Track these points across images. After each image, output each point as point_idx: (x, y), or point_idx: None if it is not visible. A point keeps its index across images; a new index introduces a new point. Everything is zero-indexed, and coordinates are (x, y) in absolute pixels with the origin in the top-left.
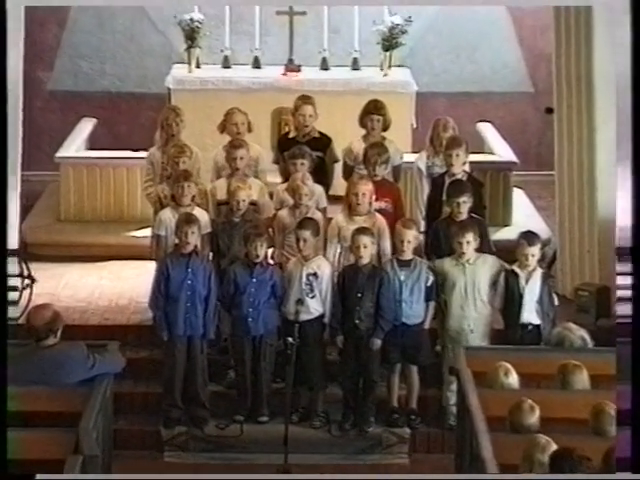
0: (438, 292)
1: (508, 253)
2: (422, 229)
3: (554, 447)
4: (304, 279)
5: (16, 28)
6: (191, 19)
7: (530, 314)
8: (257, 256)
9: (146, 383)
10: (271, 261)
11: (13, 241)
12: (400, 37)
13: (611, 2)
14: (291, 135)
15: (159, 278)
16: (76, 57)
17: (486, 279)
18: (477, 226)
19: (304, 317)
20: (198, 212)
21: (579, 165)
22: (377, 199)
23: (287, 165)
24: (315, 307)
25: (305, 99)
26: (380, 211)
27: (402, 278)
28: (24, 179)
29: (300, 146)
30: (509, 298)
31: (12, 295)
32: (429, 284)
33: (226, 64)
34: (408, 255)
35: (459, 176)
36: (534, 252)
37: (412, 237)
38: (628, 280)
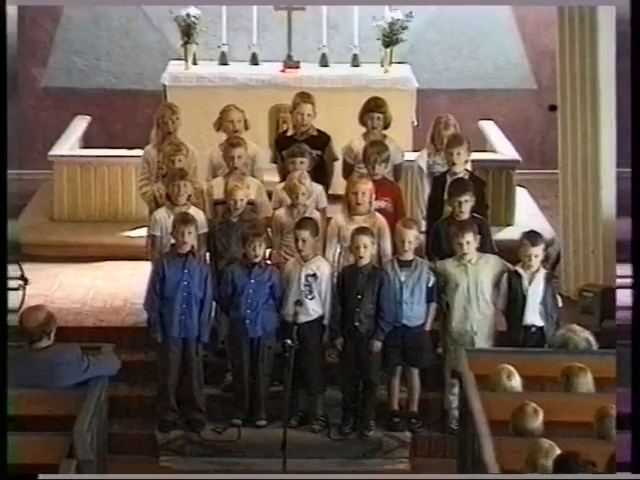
0: (439, 293)
1: (511, 253)
2: (423, 229)
3: (558, 451)
4: (303, 280)
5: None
6: (187, 15)
7: (533, 316)
8: (255, 256)
9: (141, 386)
10: (269, 262)
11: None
12: (401, 33)
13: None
14: (289, 133)
15: (155, 279)
16: (70, 53)
17: (489, 279)
18: (476, 225)
19: (303, 319)
20: (194, 211)
21: (583, 163)
22: (377, 198)
23: (286, 164)
24: (314, 308)
25: (304, 97)
26: (380, 210)
27: (403, 279)
28: (17, 178)
29: (299, 144)
30: (512, 299)
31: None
32: (430, 285)
33: (223, 60)
34: (409, 255)
35: (461, 175)
36: (537, 252)
37: (413, 237)
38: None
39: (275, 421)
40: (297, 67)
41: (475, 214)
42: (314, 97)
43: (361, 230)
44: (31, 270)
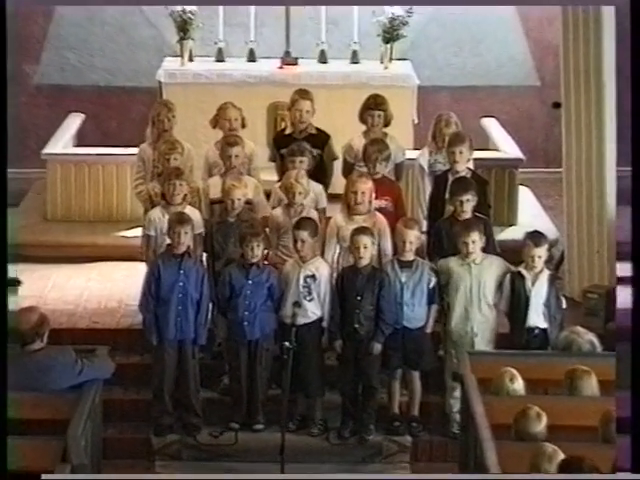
0: (441, 294)
1: (513, 254)
2: (424, 229)
3: (562, 456)
4: (302, 281)
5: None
6: (183, 10)
7: (537, 317)
8: (253, 257)
9: (136, 389)
10: (266, 262)
11: None
12: (401, 29)
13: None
14: (288, 131)
15: (150, 280)
16: (64, 50)
17: (492, 281)
18: (482, 225)
19: (301, 320)
20: (190, 211)
21: (588, 162)
22: (377, 197)
23: (285, 163)
24: (313, 310)
25: (302, 93)
26: (380, 210)
27: (403, 280)
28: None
29: (299, 143)
30: (515, 301)
31: None
32: (431, 286)
33: (220, 57)
34: (410, 256)
35: (463, 174)
36: (541, 253)
37: (414, 237)
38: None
39: (273, 425)
40: (295, 64)
41: (477, 214)
42: (313, 94)
43: (361, 230)
44: (24, 271)
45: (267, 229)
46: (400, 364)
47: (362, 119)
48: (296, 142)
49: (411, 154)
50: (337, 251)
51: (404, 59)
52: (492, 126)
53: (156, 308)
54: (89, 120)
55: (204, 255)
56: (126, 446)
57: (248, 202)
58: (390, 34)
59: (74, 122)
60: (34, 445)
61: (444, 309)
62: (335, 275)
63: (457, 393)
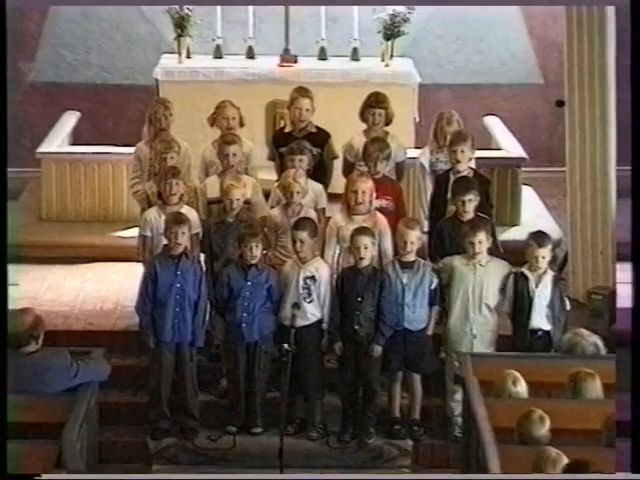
0: (443, 296)
1: (516, 254)
2: (425, 229)
3: (565, 460)
4: (301, 282)
5: None
6: (180, 6)
7: (540, 319)
8: (252, 258)
9: (133, 392)
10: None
11: None
12: (402, 25)
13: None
14: (287, 130)
15: (147, 281)
16: (59, 47)
17: (496, 284)
18: (489, 225)
19: (301, 322)
20: (187, 211)
21: (592, 161)
22: (377, 197)
23: (285, 161)
24: (312, 312)
25: (302, 91)
26: (381, 210)
27: (404, 281)
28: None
29: (299, 141)
30: (518, 302)
31: None
32: (433, 287)
33: (218, 54)
34: (411, 256)
35: (465, 173)
36: (545, 254)
37: (415, 237)
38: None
39: (271, 429)
40: (295, 61)
41: (480, 214)
42: (312, 92)
43: (361, 230)
44: (18, 272)
45: (266, 229)
46: (401, 366)
47: (363, 117)
48: (296, 141)
49: (412, 153)
50: (337, 252)
51: (405, 56)
52: (494, 125)
53: (153, 310)
54: (85, 118)
55: (202, 256)
56: (122, 450)
57: (247, 202)
58: (391, 31)
59: (69, 120)
60: (28, 449)
61: (445, 310)
62: (335, 276)
63: (459, 396)
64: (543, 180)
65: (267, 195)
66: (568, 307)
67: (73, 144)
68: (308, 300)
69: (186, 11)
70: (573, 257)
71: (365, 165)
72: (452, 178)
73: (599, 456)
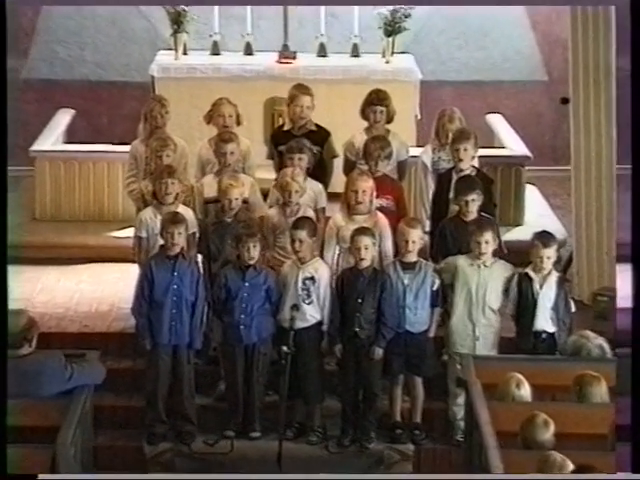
0: (445, 297)
1: (520, 255)
2: (427, 229)
3: (570, 466)
4: (300, 283)
5: None
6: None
7: (544, 321)
8: (250, 258)
9: (129, 396)
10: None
11: None
12: (403, 21)
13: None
14: (286, 128)
15: (143, 282)
16: (53, 43)
17: (499, 286)
18: (496, 225)
19: (300, 324)
20: (183, 210)
21: (597, 160)
22: (378, 196)
23: (284, 160)
24: (312, 313)
25: (302, 89)
26: (381, 209)
27: (406, 282)
28: None
29: (298, 139)
30: (522, 304)
31: None
32: (435, 288)
33: (215, 50)
34: (412, 257)
35: (467, 172)
36: (550, 254)
37: (417, 237)
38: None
39: (270, 433)
40: (294, 57)
41: (483, 213)
42: (312, 89)
43: (362, 230)
44: (11, 272)
45: (264, 229)
46: (402, 369)
47: (364, 115)
48: (295, 139)
49: (413, 151)
50: (337, 252)
51: (406, 53)
52: (498, 122)
53: (149, 311)
54: (79, 116)
55: (199, 256)
56: (118, 455)
57: (244, 201)
58: (392, 27)
59: (64, 118)
60: (21, 453)
61: (447, 311)
62: (335, 277)
63: (461, 399)
64: (547, 179)
65: (266, 195)
66: (573, 309)
67: (67, 142)
68: (307, 301)
69: (183, 6)
70: (578, 258)
71: (366, 164)
72: (455, 177)
73: (605, 461)
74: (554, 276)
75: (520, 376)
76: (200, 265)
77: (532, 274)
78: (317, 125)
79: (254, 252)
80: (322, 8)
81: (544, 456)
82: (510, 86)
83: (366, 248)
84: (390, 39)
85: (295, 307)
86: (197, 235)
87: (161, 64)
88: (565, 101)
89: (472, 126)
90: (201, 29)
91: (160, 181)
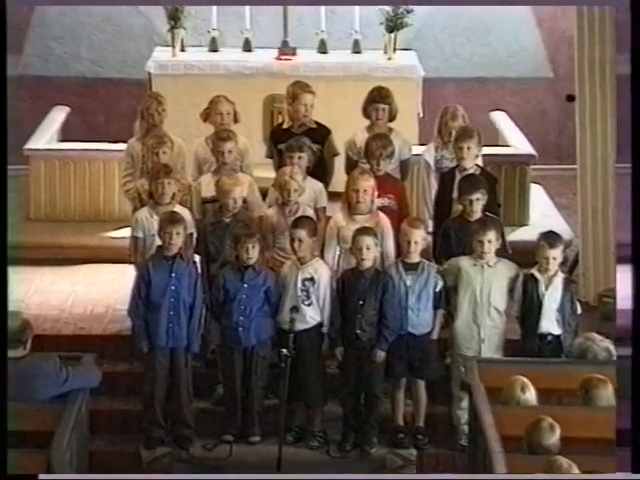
0: (448, 299)
1: (525, 255)
2: (430, 229)
3: (576, 470)
4: (300, 284)
5: None
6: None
7: (550, 323)
8: (248, 259)
9: (125, 399)
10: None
11: None
12: (405, 17)
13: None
14: (285, 126)
15: (139, 283)
16: (48, 39)
17: (504, 287)
18: (500, 224)
19: (300, 326)
20: (180, 210)
21: (603, 158)
22: (379, 196)
23: (284, 159)
24: (312, 315)
25: (304, 87)
26: (383, 209)
27: (408, 283)
28: None
29: (298, 137)
30: (527, 305)
31: None
32: (438, 290)
33: (213, 47)
34: (415, 258)
35: (471, 171)
36: (556, 255)
37: (419, 238)
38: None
39: (270, 437)
40: (293, 54)
41: (487, 213)
42: (312, 87)
43: (363, 230)
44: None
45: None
46: (404, 372)
47: (366, 113)
48: (295, 137)
49: (416, 150)
50: (337, 252)
51: (409, 49)
52: (502, 120)
53: (146, 313)
54: (74, 113)
55: (197, 257)
56: (114, 459)
57: (243, 201)
58: (394, 22)
59: (58, 116)
60: (16, 458)
61: (451, 314)
62: (335, 278)
63: (465, 403)
64: (553, 178)
65: (265, 194)
66: (579, 311)
67: (62, 140)
68: (307, 303)
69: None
70: (584, 258)
71: (367, 162)
72: (458, 176)
73: (611, 466)
74: (560, 277)
75: (525, 379)
76: (198, 266)
77: (537, 275)
78: (317, 123)
79: (253, 252)
80: (322, 4)
81: (550, 461)
82: (514, 83)
83: (368, 248)
84: (392, 35)
85: (295, 309)
86: (194, 236)
87: (158, 61)
88: (571, 98)
89: (476, 124)
90: (199, 25)
91: (157, 181)
